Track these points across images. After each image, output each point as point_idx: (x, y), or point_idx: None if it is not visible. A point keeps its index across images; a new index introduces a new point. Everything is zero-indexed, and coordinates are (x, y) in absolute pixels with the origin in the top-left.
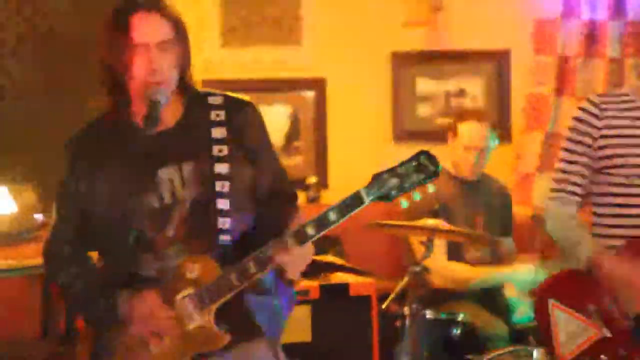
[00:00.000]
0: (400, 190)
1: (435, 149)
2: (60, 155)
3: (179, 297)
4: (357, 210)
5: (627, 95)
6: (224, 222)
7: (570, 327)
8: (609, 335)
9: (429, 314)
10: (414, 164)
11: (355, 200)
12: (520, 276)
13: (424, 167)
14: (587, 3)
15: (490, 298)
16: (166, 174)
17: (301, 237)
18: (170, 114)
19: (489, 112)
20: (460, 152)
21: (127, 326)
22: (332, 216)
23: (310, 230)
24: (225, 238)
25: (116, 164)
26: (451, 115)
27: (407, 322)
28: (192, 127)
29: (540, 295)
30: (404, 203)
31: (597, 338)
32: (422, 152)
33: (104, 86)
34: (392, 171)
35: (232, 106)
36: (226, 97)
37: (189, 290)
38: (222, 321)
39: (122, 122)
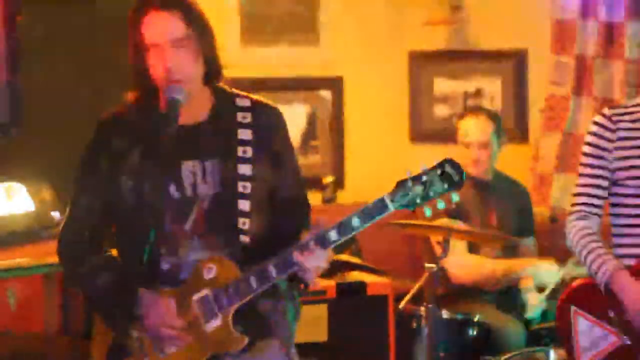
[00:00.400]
0: (424, 198)
1: (452, 150)
2: (78, 154)
3: (195, 297)
4: (381, 217)
5: (639, 105)
6: (244, 223)
7: (591, 334)
8: (628, 342)
9: (445, 314)
10: (438, 172)
11: (379, 207)
12: (542, 271)
13: (449, 175)
14: (605, 3)
15: (507, 299)
16: (189, 167)
17: (324, 242)
18: (199, 109)
19: (492, 109)
20: (463, 150)
21: (144, 325)
22: (356, 222)
23: (333, 235)
24: (245, 239)
25: (142, 150)
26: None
27: (423, 322)
28: (219, 125)
29: (563, 302)
30: (427, 211)
31: (617, 345)
32: (446, 160)
33: (133, 83)
34: (416, 179)
35: (259, 110)
36: (253, 100)
37: (206, 291)
38: (236, 321)
39: (152, 111)
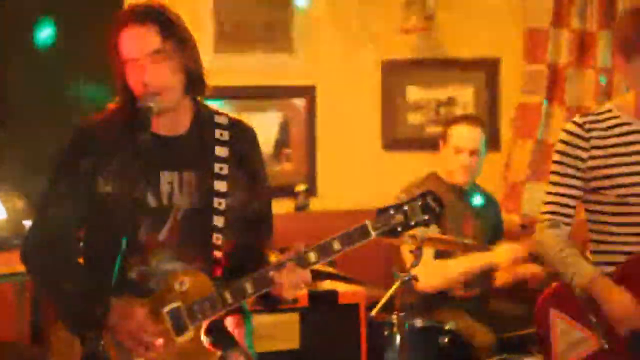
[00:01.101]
0: (404, 227)
1: (425, 157)
2: (50, 162)
3: (166, 309)
4: (362, 242)
5: (610, 111)
6: (218, 238)
7: (570, 337)
8: (606, 347)
9: (416, 323)
10: (419, 203)
11: (361, 233)
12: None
13: (430, 207)
14: (577, 13)
15: (479, 307)
16: (167, 177)
17: (303, 263)
18: (180, 121)
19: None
20: (452, 156)
21: (115, 335)
22: (336, 245)
23: (312, 257)
24: (217, 254)
25: (120, 158)
26: (443, 123)
27: (395, 330)
28: (198, 140)
29: (542, 304)
30: (407, 240)
31: (596, 350)
32: (428, 193)
33: (118, 93)
34: (398, 207)
35: (236, 129)
36: (231, 119)
37: (178, 303)
38: (209, 333)
39: (129, 119)
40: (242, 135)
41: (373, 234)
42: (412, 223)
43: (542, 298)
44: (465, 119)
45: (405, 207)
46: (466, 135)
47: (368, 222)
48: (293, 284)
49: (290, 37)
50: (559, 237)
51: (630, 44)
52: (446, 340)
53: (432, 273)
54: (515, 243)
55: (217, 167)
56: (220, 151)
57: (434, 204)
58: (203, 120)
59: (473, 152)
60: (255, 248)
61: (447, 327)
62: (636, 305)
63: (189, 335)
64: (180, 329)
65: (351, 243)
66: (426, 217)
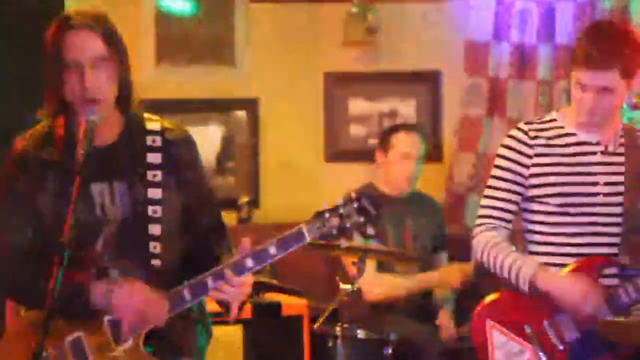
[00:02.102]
0: (341, 230)
1: (368, 169)
2: None
3: (107, 318)
4: (298, 247)
5: (555, 120)
6: (155, 247)
7: (506, 349)
8: (544, 358)
9: (360, 334)
10: (355, 205)
11: (296, 237)
12: (449, 277)
13: (366, 209)
14: (517, 26)
15: (425, 313)
16: (98, 188)
17: (239, 269)
18: (109, 131)
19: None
20: (397, 164)
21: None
22: (272, 250)
23: (249, 263)
24: (156, 262)
25: (56, 172)
26: (381, 133)
27: (339, 342)
28: (129, 148)
29: (478, 316)
30: (343, 243)
31: None
32: (363, 194)
33: (46, 100)
34: (333, 210)
35: (169, 134)
36: (163, 123)
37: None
38: (149, 343)
39: (61, 134)
40: (175, 140)
41: (308, 237)
42: (348, 225)
43: (478, 309)
44: (407, 126)
45: (341, 210)
46: (410, 144)
47: (303, 226)
48: (231, 291)
49: (232, 49)
50: (495, 238)
51: (573, 60)
52: (390, 351)
53: (374, 288)
54: (462, 263)
55: (150, 174)
56: (152, 158)
57: (369, 206)
58: (133, 127)
59: (416, 159)
60: (207, 254)
61: (391, 338)
62: (589, 283)
63: (128, 344)
64: (119, 339)
65: (287, 247)
66: (362, 220)
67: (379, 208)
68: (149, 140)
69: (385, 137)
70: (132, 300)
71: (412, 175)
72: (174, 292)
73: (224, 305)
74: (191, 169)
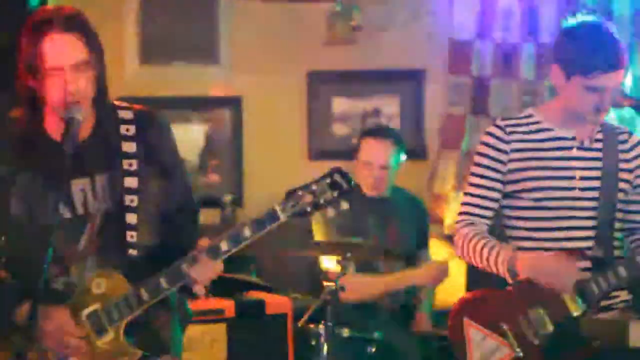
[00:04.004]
0: (314, 206)
1: (352, 168)
2: None
3: (85, 312)
4: (272, 226)
5: (532, 116)
6: (132, 236)
7: (484, 346)
8: (521, 355)
9: (344, 332)
10: (327, 181)
11: (270, 217)
12: (428, 275)
13: (338, 184)
14: (501, 25)
15: (405, 314)
16: (79, 185)
17: (215, 253)
18: (83, 127)
19: (396, 129)
20: (360, 170)
21: (41, 340)
22: (247, 232)
23: (224, 246)
24: (133, 252)
25: (29, 175)
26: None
27: (322, 340)
28: (104, 140)
29: (455, 314)
30: (317, 218)
31: (510, 358)
32: (335, 169)
33: (20, 100)
34: (306, 188)
35: (143, 121)
36: (136, 111)
37: (96, 306)
38: (131, 336)
39: (35, 134)
40: (149, 127)
41: (281, 216)
42: (322, 201)
43: (455, 307)
44: (374, 132)
45: (314, 187)
46: (374, 151)
47: (276, 205)
48: (207, 276)
49: (216, 48)
50: (473, 231)
51: (570, 64)
52: (373, 349)
53: (352, 288)
54: (441, 261)
55: (125, 163)
56: (127, 147)
57: (341, 180)
58: (106, 118)
59: (382, 167)
60: (181, 240)
61: (374, 337)
62: (567, 261)
63: (109, 336)
64: (99, 331)
65: (261, 228)
66: (335, 194)
67: (351, 182)
68: (122, 129)
69: (357, 141)
70: (52, 326)
71: (376, 181)
72: (150, 282)
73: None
74: (167, 156)
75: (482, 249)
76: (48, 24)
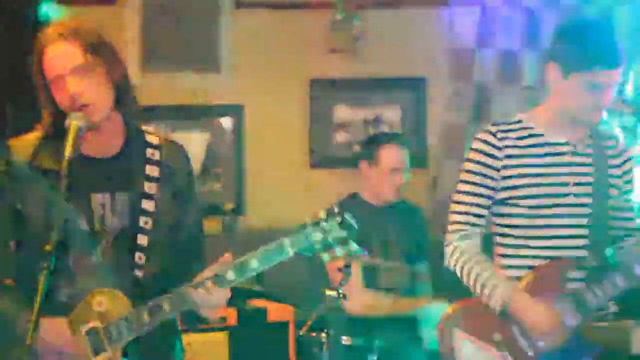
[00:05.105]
0: (323, 245)
1: (353, 175)
2: None
3: (84, 328)
4: (279, 261)
5: (521, 121)
6: (140, 257)
7: (476, 358)
8: None
9: (345, 340)
10: (338, 219)
11: (278, 251)
12: (433, 312)
13: (348, 224)
14: (502, 32)
15: (409, 324)
16: (99, 199)
17: (221, 282)
18: (111, 141)
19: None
20: (385, 177)
21: (40, 352)
22: (254, 263)
23: (230, 275)
24: (138, 273)
25: (51, 180)
26: (366, 143)
27: (325, 348)
28: (130, 160)
29: (445, 324)
30: (325, 257)
31: None
32: (346, 209)
33: (45, 113)
34: (316, 225)
35: (166, 148)
36: (162, 138)
37: (96, 323)
38: (133, 355)
39: (59, 139)
40: (172, 154)
41: (290, 251)
42: (331, 240)
43: (445, 318)
44: (392, 138)
45: (324, 224)
46: (399, 156)
47: (286, 240)
48: (212, 303)
49: (217, 56)
50: (472, 249)
51: (568, 62)
52: (375, 358)
53: (360, 302)
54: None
55: (146, 186)
56: (150, 170)
57: (352, 221)
58: (135, 140)
59: (405, 172)
60: (183, 268)
61: (375, 345)
62: (552, 317)
63: (106, 355)
64: (98, 349)
65: (269, 260)
66: (345, 234)
67: (361, 223)
68: (148, 153)
69: (371, 150)
70: (51, 338)
71: (400, 187)
72: (154, 305)
73: (194, 320)
74: (185, 184)
75: (477, 276)
76: (46, 37)
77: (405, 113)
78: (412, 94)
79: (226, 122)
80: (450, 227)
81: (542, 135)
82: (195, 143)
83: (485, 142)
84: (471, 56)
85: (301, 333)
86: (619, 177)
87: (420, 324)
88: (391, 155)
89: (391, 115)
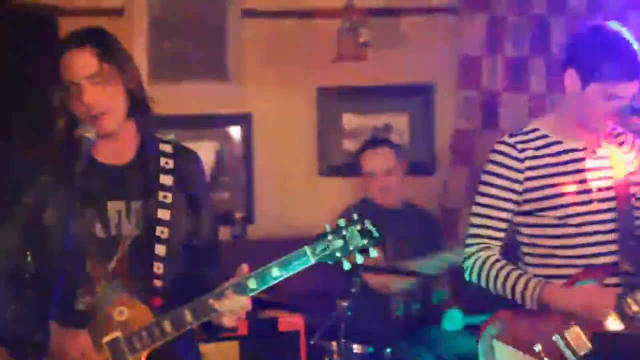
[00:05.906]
0: (344, 252)
1: (360, 184)
2: None
3: (106, 339)
4: (301, 268)
5: (538, 130)
6: (158, 267)
7: None
8: None
9: (356, 349)
10: (358, 227)
11: (300, 258)
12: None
13: (368, 231)
14: (510, 39)
15: (420, 331)
16: (116, 206)
17: (242, 290)
18: (126, 149)
19: (389, 138)
20: (367, 182)
21: None
22: (275, 272)
23: (251, 284)
24: (157, 283)
25: (69, 190)
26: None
27: (335, 357)
28: (145, 168)
29: (484, 335)
30: (346, 265)
31: None
32: (366, 217)
33: (58, 121)
34: (337, 232)
35: (180, 156)
36: (175, 146)
37: (117, 333)
38: None
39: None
40: (185, 163)
41: (312, 259)
42: (351, 248)
43: (484, 329)
44: (370, 144)
45: (344, 232)
46: (375, 160)
47: (307, 248)
48: (233, 312)
49: (225, 65)
50: (492, 257)
51: (589, 71)
52: None
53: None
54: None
55: (161, 195)
56: (165, 179)
57: (372, 228)
58: (149, 148)
59: (386, 172)
60: (199, 276)
61: (386, 354)
62: (597, 291)
63: None
64: (119, 359)
65: (290, 268)
66: (365, 242)
67: (381, 230)
68: (162, 161)
69: (357, 158)
70: (73, 349)
71: (386, 189)
72: (175, 314)
73: (212, 330)
74: (199, 193)
75: (505, 280)
76: (64, 43)
77: (413, 120)
78: (421, 101)
79: (235, 131)
80: (469, 240)
81: (560, 142)
82: (203, 152)
83: (506, 154)
84: (479, 62)
85: (312, 342)
86: (635, 173)
87: (431, 332)
88: (369, 160)
89: (399, 122)
